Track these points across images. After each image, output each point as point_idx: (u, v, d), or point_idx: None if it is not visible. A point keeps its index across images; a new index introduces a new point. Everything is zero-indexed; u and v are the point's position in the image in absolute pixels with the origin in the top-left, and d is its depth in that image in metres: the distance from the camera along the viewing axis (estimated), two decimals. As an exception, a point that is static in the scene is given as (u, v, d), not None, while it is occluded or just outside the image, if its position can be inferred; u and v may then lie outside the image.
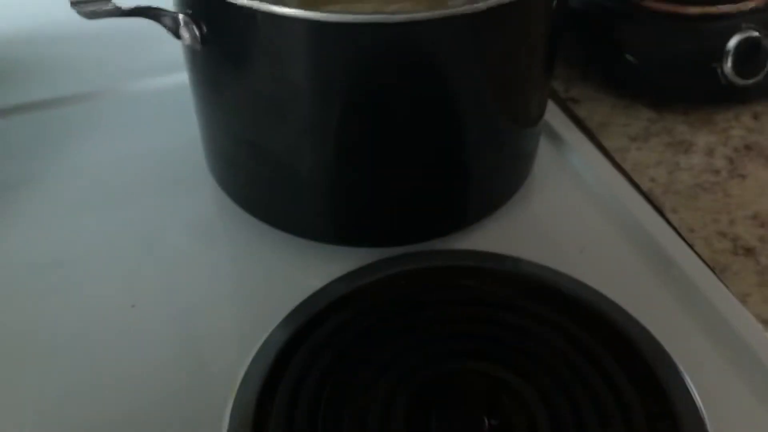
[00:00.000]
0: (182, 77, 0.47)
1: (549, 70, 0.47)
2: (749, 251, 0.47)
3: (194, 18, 0.40)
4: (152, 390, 0.40)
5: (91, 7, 0.38)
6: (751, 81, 0.55)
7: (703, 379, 0.39)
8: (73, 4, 0.37)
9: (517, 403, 0.38)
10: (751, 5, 0.56)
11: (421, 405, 0.38)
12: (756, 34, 0.54)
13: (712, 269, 0.45)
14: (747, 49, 0.55)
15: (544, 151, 0.52)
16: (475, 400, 0.39)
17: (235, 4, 0.36)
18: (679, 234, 0.47)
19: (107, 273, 0.46)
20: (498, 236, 0.48)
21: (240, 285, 0.46)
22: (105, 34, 0.62)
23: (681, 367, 0.39)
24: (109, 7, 0.38)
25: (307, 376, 0.40)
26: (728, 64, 0.55)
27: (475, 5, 0.36)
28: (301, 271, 0.45)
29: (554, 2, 0.42)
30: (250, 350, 0.40)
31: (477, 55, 0.40)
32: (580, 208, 0.50)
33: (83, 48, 0.61)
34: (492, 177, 0.47)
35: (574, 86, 0.59)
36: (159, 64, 0.60)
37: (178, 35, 0.41)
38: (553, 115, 0.56)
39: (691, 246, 0.47)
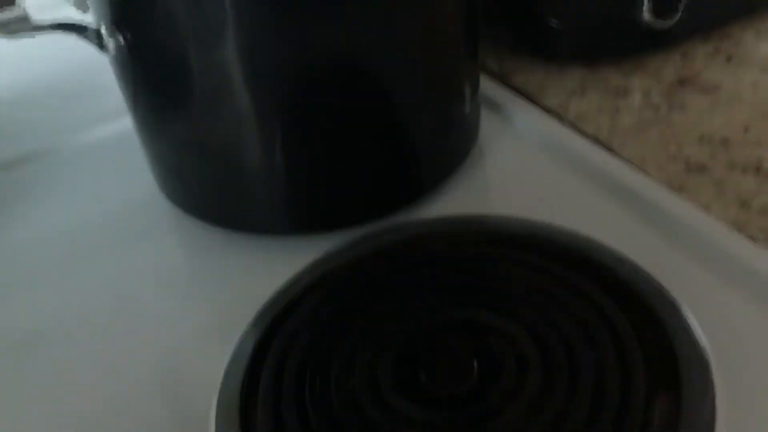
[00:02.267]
0: (120, 125, 0.48)
1: (473, 38, 0.48)
2: (702, 168, 0.47)
3: (117, 26, 0.40)
4: (134, 408, 0.39)
5: (12, 27, 0.38)
6: (671, 21, 0.57)
7: (683, 287, 0.38)
8: (-7, 26, 0.38)
9: (504, 341, 0.38)
10: (655, -48, 0.58)
11: (408, 360, 0.37)
12: (665, -23, 0.57)
13: (670, 189, 0.45)
14: (660, -7, 0.57)
15: (487, 119, 0.53)
16: (461, 346, 0.38)
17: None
18: (632, 165, 0.48)
19: (80, 329, 0.45)
20: (457, 200, 0.48)
21: (207, 294, 0.46)
22: (37, 94, 0.63)
23: (662, 282, 0.39)
24: (29, 24, 0.38)
25: (287, 360, 0.38)
26: (645, 9, 0.56)
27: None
28: (266, 267, 0.45)
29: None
30: (226, 352, 0.39)
31: (394, 12, 0.41)
32: (531, 162, 0.50)
33: (15, 111, 0.61)
34: (438, 146, 0.48)
35: (507, 60, 0.61)
36: (97, 115, 0.61)
37: (103, 47, 0.41)
38: (490, 87, 0.57)
39: (645, 173, 0.47)
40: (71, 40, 0.43)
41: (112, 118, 0.59)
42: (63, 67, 0.60)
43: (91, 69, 0.52)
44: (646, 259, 0.40)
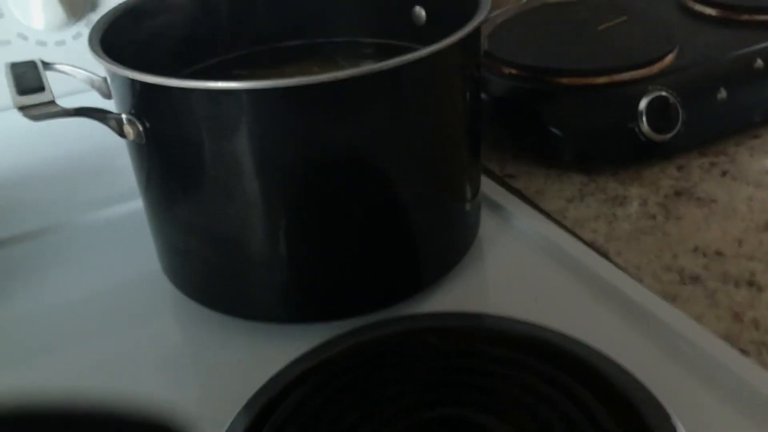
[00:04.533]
0: (128, 207, 0.49)
1: (475, 141, 0.50)
2: (695, 279, 0.48)
3: (137, 115, 0.42)
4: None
5: (37, 111, 0.40)
6: (668, 136, 0.59)
7: (672, 395, 0.39)
8: (19, 109, 0.40)
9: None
10: (655, 70, 0.61)
11: (397, 456, 0.38)
12: (663, 93, 0.59)
13: (664, 298, 0.46)
14: (658, 108, 0.59)
15: (487, 219, 0.55)
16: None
17: (176, 88, 0.39)
18: (627, 272, 0.49)
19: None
20: (453, 297, 0.49)
21: (201, 377, 0.46)
22: (51, 171, 0.65)
23: (649, 386, 0.39)
24: (55, 109, 0.40)
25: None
26: (643, 123, 0.59)
27: (391, 61, 0.39)
28: (263, 354, 0.45)
29: (466, 68, 0.46)
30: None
31: (397, 114, 0.43)
32: (528, 262, 0.51)
33: (29, 187, 0.63)
34: (438, 243, 0.49)
35: (509, 164, 0.63)
36: (108, 195, 0.63)
37: (122, 134, 0.43)
38: (491, 189, 0.58)
39: (640, 281, 0.48)
40: (91, 122, 0.45)
41: (122, 200, 0.60)
42: (79, 147, 0.62)
43: (106, 150, 0.54)
44: (637, 366, 0.40)
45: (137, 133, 0.42)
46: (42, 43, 0.56)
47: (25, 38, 0.55)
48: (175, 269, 0.49)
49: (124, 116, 0.43)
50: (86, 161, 0.65)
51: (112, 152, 0.52)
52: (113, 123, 0.43)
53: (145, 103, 0.42)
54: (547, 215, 0.56)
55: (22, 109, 0.40)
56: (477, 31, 0.46)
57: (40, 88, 0.41)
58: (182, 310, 0.50)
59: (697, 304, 0.46)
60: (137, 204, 0.50)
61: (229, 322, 0.48)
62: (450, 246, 0.50)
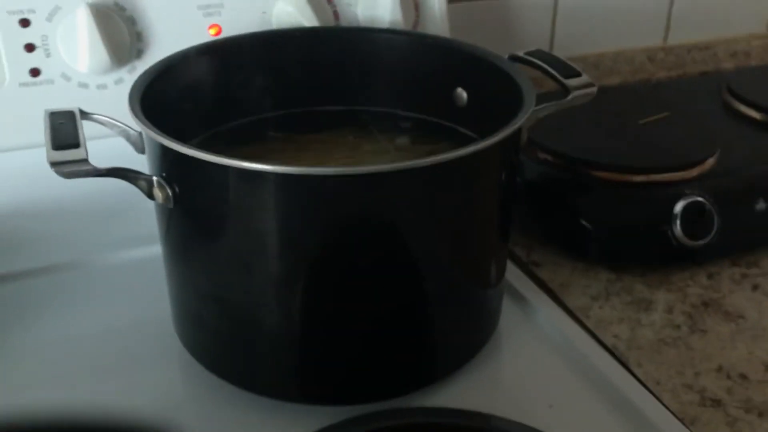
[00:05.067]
0: (152, 250, 0.49)
1: (505, 230, 0.50)
2: (717, 402, 0.47)
3: (167, 180, 0.42)
4: None
5: (69, 168, 0.40)
6: (701, 242, 0.58)
7: None
8: (52, 165, 0.40)
9: None
10: (694, 173, 0.60)
11: None
12: (700, 199, 0.58)
13: (682, 421, 0.45)
14: (693, 213, 0.58)
15: (508, 310, 0.53)
16: None
17: (210, 162, 0.38)
18: (646, 387, 0.47)
19: None
20: (466, 392, 0.47)
21: (202, 447, 0.45)
22: (76, 207, 0.65)
23: None
24: (87, 167, 0.40)
25: None
26: (677, 227, 0.58)
27: (430, 158, 0.39)
28: (263, 430, 0.44)
29: (503, 164, 0.45)
30: None
31: (434, 210, 0.42)
32: (547, 363, 0.50)
33: (53, 221, 0.62)
34: (457, 333, 0.48)
35: (535, 251, 0.62)
36: (131, 237, 0.62)
37: (151, 196, 0.43)
38: (515, 277, 0.57)
39: (658, 398, 0.47)
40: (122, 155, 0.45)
41: (145, 243, 0.60)
42: (108, 184, 0.62)
43: (135, 190, 0.54)
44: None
45: (166, 198, 0.42)
46: (84, 86, 0.56)
47: (68, 79, 0.55)
48: (186, 331, 0.48)
49: (155, 179, 0.42)
50: (114, 199, 0.65)
51: (139, 193, 0.51)
52: (143, 185, 0.43)
53: (176, 170, 0.42)
54: (570, 312, 0.54)
55: (55, 165, 0.39)
56: (519, 129, 0.45)
57: (75, 144, 0.41)
58: (188, 369, 0.49)
59: (716, 431, 0.45)
60: (159, 250, 0.50)
61: (234, 392, 0.47)
62: (470, 337, 0.49)
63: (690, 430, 0.44)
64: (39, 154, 0.44)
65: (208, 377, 0.48)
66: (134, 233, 0.61)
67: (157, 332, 0.52)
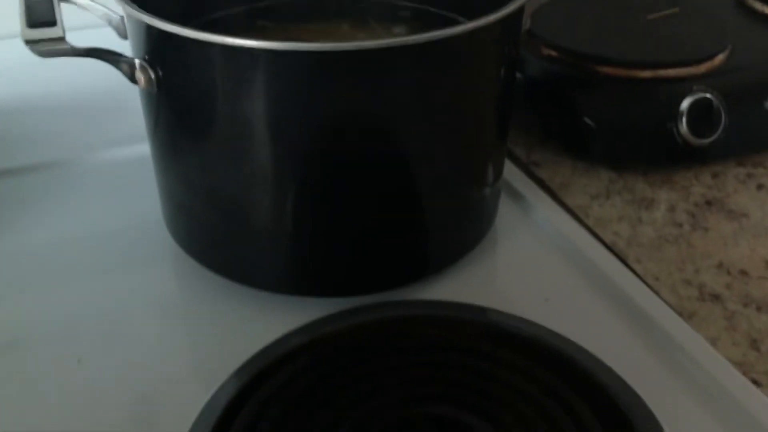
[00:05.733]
0: (143, 149, 0.48)
1: (503, 125, 0.48)
2: (716, 297, 0.46)
3: (150, 62, 0.40)
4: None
5: (45, 47, 0.38)
6: (706, 141, 0.56)
7: (675, 420, 0.37)
8: (27, 43, 0.38)
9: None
10: (702, 69, 0.58)
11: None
12: (708, 95, 0.56)
13: (680, 315, 0.44)
14: (700, 110, 0.56)
15: (506, 208, 0.52)
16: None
17: (193, 39, 0.36)
18: (645, 282, 0.47)
19: (63, 340, 0.44)
20: (461, 286, 0.47)
21: (194, 339, 0.45)
22: (67, 105, 0.63)
23: (652, 408, 0.38)
24: (64, 46, 0.38)
25: (255, 427, 0.37)
26: (683, 124, 0.56)
27: (425, 35, 0.37)
28: (259, 323, 0.44)
29: (503, 48, 0.43)
30: (201, 399, 0.38)
31: (429, 92, 0.40)
32: (544, 260, 0.49)
33: (40, 119, 0.61)
34: (452, 228, 0.47)
35: (535, 151, 0.60)
36: (121, 136, 0.61)
37: (133, 79, 0.41)
38: (514, 176, 0.56)
39: (656, 293, 0.46)
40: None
41: (134, 141, 0.58)
42: (95, 81, 0.60)
43: (123, 88, 0.52)
44: (641, 383, 0.38)
45: (148, 81, 0.40)
46: (65, -29, 0.53)
47: (46, -38, 0.53)
48: (177, 224, 0.47)
49: (137, 61, 0.40)
50: (101, 97, 0.63)
51: (129, 91, 0.50)
52: (125, 67, 0.41)
53: (159, 51, 0.40)
54: (570, 211, 0.53)
55: (30, 43, 0.38)
56: (520, 10, 0.43)
57: (52, 22, 0.39)
58: (180, 265, 0.48)
59: (713, 325, 0.44)
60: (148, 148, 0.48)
61: (226, 284, 0.46)
62: (464, 232, 0.48)
63: (688, 323, 0.43)
64: (20, 47, 0.42)
65: (200, 271, 0.47)
66: (124, 131, 0.60)
67: (148, 230, 0.51)
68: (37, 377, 0.42)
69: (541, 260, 0.49)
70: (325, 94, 0.38)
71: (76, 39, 0.42)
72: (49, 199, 0.56)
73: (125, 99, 0.55)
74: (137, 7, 0.39)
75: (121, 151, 0.60)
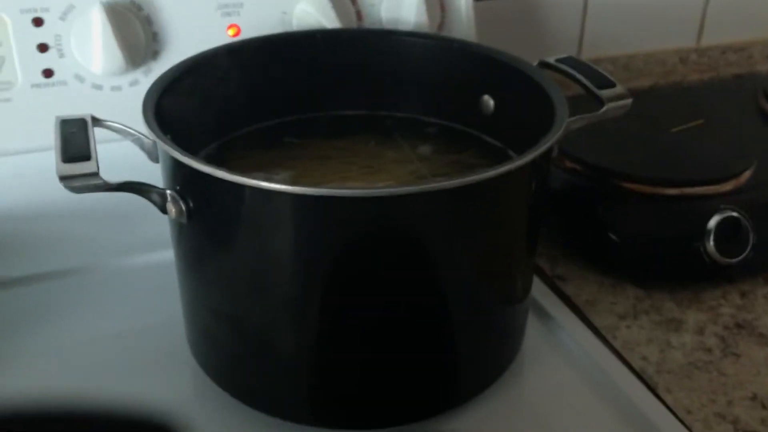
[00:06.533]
0: (167, 255, 0.48)
1: (533, 247, 0.48)
2: (751, 434, 0.45)
3: (181, 194, 0.40)
4: None
5: (79, 182, 0.38)
6: (734, 260, 0.56)
7: None
8: (61, 179, 0.38)
9: None
10: (729, 186, 0.58)
11: None
12: (735, 214, 0.56)
13: (715, 454, 0.43)
14: (728, 228, 0.56)
15: (533, 329, 0.51)
16: None
17: (225, 180, 0.37)
18: (676, 415, 0.45)
19: None
20: (489, 417, 0.45)
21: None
22: (90, 210, 0.63)
23: None
24: (97, 182, 0.38)
25: None
26: (710, 243, 0.55)
27: (457, 180, 0.37)
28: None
29: (534, 182, 0.43)
30: None
31: (460, 231, 0.40)
32: (572, 387, 0.48)
33: (66, 224, 0.61)
34: (480, 355, 0.46)
35: (560, 264, 0.59)
36: (144, 241, 0.61)
37: (164, 210, 0.41)
38: (540, 292, 0.55)
39: (689, 429, 0.45)
40: (135, 156, 0.43)
41: (158, 248, 0.58)
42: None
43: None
44: None
45: (179, 212, 0.40)
46: (97, 87, 0.54)
47: (81, 80, 0.54)
48: (200, 348, 0.47)
49: (168, 192, 0.41)
50: (127, 202, 0.63)
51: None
52: (156, 198, 0.41)
53: (190, 185, 0.40)
54: (597, 332, 0.52)
55: (64, 179, 0.38)
56: (551, 147, 0.43)
57: (86, 156, 0.39)
58: (199, 383, 0.47)
59: (750, 466, 0.43)
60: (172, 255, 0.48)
61: (245, 410, 0.45)
62: (494, 358, 0.47)
63: (723, 464, 0.42)
64: (51, 157, 0.42)
65: (218, 391, 0.46)
66: (147, 237, 0.60)
67: (169, 340, 0.50)
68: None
69: (569, 387, 0.48)
70: (358, 235, 0.38)
71: (107, 153, 0.42)
72: (71, 305, 0.55)
73: (149, 205, 0.56)
74: (169, 141, 0.39)
75: (145, 257, 0.60)
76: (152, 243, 0.58)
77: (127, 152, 0.46)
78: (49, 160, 0.43)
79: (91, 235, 0.62)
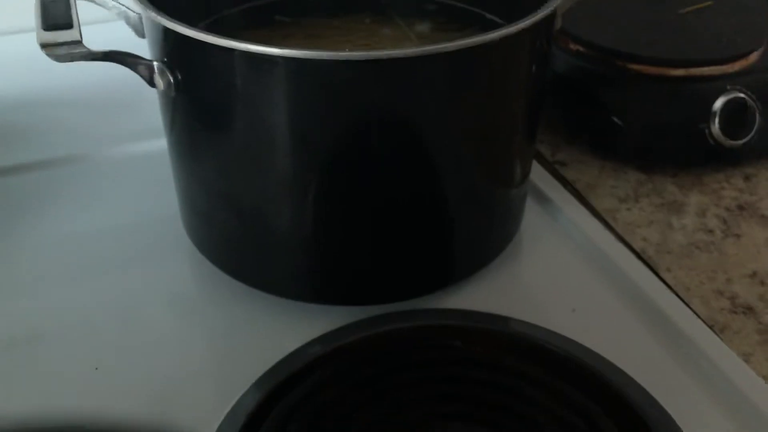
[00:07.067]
0: (161, 143, 0.47)
1: (533, 128, 0.46)
2: (749, 310, 0.45)
3: (169, 65, 0.39)
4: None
5: (61, 50, 0.37)
6: (739, 142, 0.55)
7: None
8: (42, 47, 0.36)
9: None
10: (736, 67, 0.56)
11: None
12: (742, 95, 0.54)
13: (711, 328, 0.43)
14: (734, 110, 0.54)
15: (531, 212, 0.51)
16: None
17: (214, 45, 0.35)
18: (675, 292, 0.45)
19: (80, 340, 0.43)
20: (486, 295, 0.45)
21: (214, 347, 0.44)
22: (84, 99, 0.62)
23: (682, 427, 0.37)
24: (81, 50, 0.37)
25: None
26: (715, 125, 0.54)
27: (458, 42, 0.35)
28: (279, 331, 0.43)
29: (535, 53, 0.41)
30: (220, 414, 0.38)
31: (459, 100, 0.39)
32: (571, 267, 0.48)
33: (61, 113, 0.60)
34: (477, 234, 0.46)
35: (561, 150, 0.58)
36: (139, 130, 0.60)
37: (152, 83, 0.40)
38: (540, 177, 0.54)
39: (687, 304, 0.44)
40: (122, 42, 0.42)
41: (152, 136, 0.57)
42: (113, 74, 0.59)
43: (144, 82, 0.51)
44: (670, 400, 0.38)
45: (167, 84, 0.39)
46: (81, -37, 0.52)
47: (63, -45, 0.51)
48: (195, 228, 0.46)
49: (155, 64, 0.39)
50: (119, 90, 0.62)
51: (147, 85, 0.49)
52: (144, 70, 0.40)
53: (179, 55, 0.38)
54: (597, 214, 0.52)
55: (45, 47, 0.36)
56: (554, 12, 0.41)
57: (68, 24, 0.38)
58: (198, 267, 0.47)
59: (746, 340, 0.43)
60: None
61: (244, 289, 0.45)
62: (490, 238, 0.47)
63: (720, 337, 0.42)
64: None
65: (217, 273, 0.46)
66: (140, 125, 0.59)
67: (165, 227, 0.50)
68: (54, 372, 0.41)
69: (568, 268, 0.48)
70: (350, 102, 0.37)
71: (88, 34, 0.40)
72: (66, 194, 0.55)
73: (143, 92, 0.54)
74: (156, 9, 0.38)
75: (138, 145, 0.59)
76: (145, 131, 0.57)
77: (113, 36, 0.44)
78: (35, 43, 0.42)
79: (82, 124, 0.61)
